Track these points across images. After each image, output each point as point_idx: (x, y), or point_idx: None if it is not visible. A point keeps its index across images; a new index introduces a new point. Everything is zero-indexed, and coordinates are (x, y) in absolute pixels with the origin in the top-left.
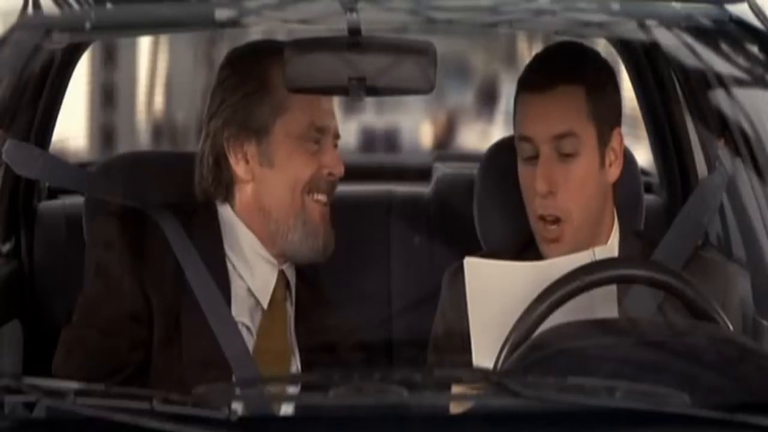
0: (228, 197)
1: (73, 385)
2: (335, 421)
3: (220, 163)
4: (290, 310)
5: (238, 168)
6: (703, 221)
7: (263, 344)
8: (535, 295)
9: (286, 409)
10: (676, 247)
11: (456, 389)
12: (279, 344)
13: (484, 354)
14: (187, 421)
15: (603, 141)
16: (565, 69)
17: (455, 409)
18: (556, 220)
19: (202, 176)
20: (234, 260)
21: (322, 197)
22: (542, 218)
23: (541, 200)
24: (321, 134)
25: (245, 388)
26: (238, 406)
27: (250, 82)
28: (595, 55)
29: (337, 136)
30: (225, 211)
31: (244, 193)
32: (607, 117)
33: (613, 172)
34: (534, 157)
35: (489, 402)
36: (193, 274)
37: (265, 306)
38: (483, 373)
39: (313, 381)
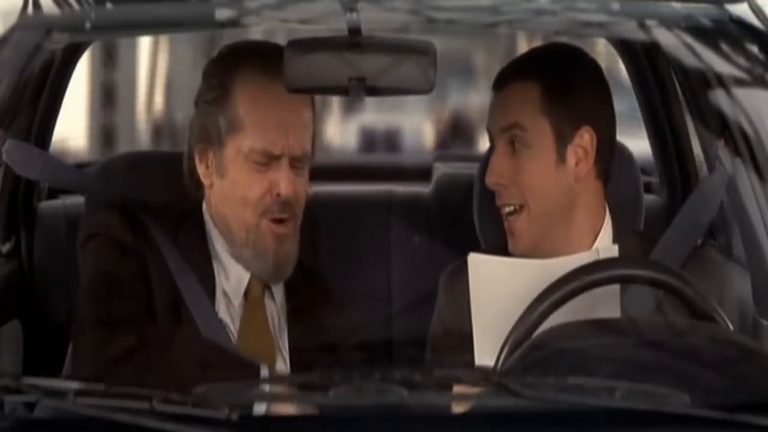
0: (202, 195)
1: (73, 385)
2: (335, 421)
3: (193, 159)
4: (272, 306)
5: (200, 169)
6: (703, 221)
7: (244, 342)
8: (537, 292)
9: (286, 409)
10: (675, 247)
11: (456, 389)
12: (261, 341)
13: (487, 350)
14: (187, 421)
15: (562, 138)
16: (522, 68)
17: (455, 409)
18: (512, 212)
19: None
20: (214, 260)
21: (276, 225)
22: (500, 209)
23: (498, 192)
24: (275, 161)
25: (245, 388)
26: (238, 406)
27: (216, 90)
28: (572, 55)
29: (300, 159)
30: (204, 211)
31: (210, 195)
32: (568, 115)
33: (581, 170)
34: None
35: (489, 402)
36: (180, 274)
37: (236, 305)
38: (483, 373)
39: (313, 381)
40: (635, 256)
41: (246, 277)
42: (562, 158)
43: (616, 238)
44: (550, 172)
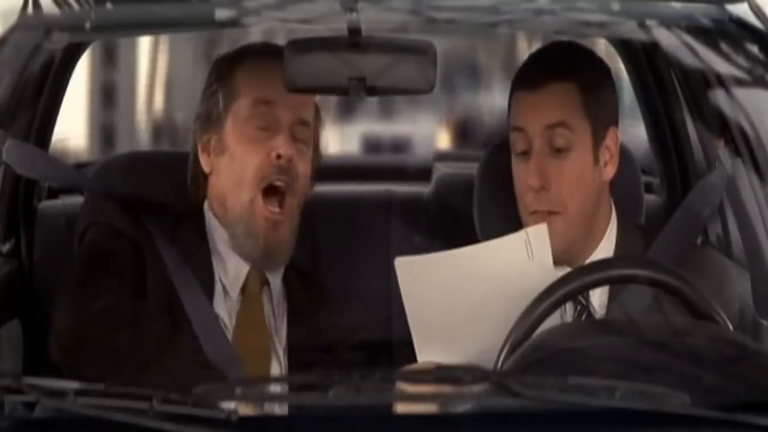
0: (205, 193)
1: (73, 385)
2: (335, 421)
3: (197, 158)
4: (268, 305)
5: (203, 160)
6: (702, 218)
7: (239, 339)
8: (468, 280)
9: (286, 409)
10: (672, 243)
11: (456, 389)
12: (256, 339)
13: (427, 348)
14: (187, 421)
15: (597, 139)
16: (558, 67)
17: (455, 409)
18: (549, 215)
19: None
20: (214, 256)
21: (270, 207)
22: (535, 213)
23: (534, 195)
24: (269, 108)
25: (245, 388)
26: (238, 406)
27: (218, 77)
28: (590, 54)
29: (300, 123)
30: (206, 208)
31: (211, 186)
32: (602, 115)
33: (609, 171)
34: (527, 152)
35: (489, 402)
36: (177, 270)
37: (234, 297)
38: (483, 373)
39: (312, 381)
40: (635, 256)
41: (245, 270)
42: (596, 159)
43: (620, 236)
44: (589, 174)
